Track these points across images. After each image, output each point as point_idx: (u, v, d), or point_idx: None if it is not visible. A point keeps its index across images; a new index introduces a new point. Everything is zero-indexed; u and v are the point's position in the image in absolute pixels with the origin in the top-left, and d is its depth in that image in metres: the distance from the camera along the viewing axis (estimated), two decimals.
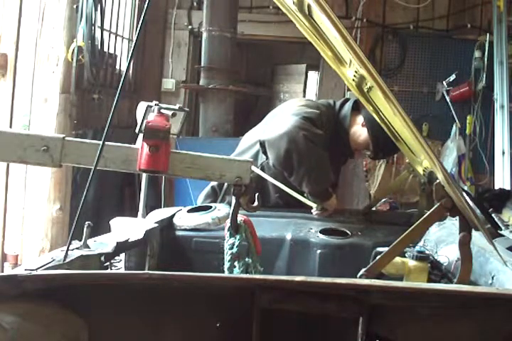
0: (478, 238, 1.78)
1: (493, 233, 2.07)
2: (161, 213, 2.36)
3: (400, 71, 6.01)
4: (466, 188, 5.28)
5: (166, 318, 1.30)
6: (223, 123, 5.34)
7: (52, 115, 3.95)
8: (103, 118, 4.52)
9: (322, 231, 2.24)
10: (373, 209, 2.92)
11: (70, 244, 1.52)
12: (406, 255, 1.77)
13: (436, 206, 1.61)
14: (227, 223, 1.77)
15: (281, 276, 1.30)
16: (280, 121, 2.50)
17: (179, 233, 2.24)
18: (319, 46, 1.93)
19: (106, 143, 1.55)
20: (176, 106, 1.74)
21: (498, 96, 5.39)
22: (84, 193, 1.55)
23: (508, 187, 5.02)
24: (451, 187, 1.53)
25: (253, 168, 2.36)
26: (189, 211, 2.35)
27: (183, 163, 1.66)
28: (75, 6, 4.03)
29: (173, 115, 1.73)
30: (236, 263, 1.74)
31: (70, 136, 1.73)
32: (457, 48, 5.92)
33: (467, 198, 1.66)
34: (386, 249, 1.64)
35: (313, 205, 2.52)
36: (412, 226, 1.62)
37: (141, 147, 1.62)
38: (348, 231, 2.26)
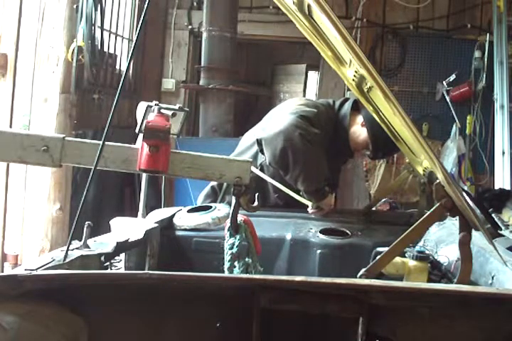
0: (478, 238, 1.78)
1: (493, 233, 2.07)
2: (161, 213, 2.36)
3: (400, 71, 6.01)
4: (466, 188, 5.28)
5: (166, 318, 1.30)
6: (223, 123, 5.34)
7: (52, 115, 3.95)
8: (103, 118, 4.52)
9: (322, 231, 2.24)
10: (373, 209, 2.92)
11: (70, 244, 1.52)
12: (406, 255, 1.77)
13: (436, 206, 1.61)
14: (227, 223, 1.77)
15: (281, 276, 1.30)
16: (277, 119, 2.50)
17: (179, 233, 2.24)
18: (319, 46, 1.93)
19: (106, 143, 1.55)
20: (176, 106, 1.74)
21: (498, 96, 5.40)
22: (84, 193, 1.55)
23: (508, 187, 5.02)
24: (451, 187, 1.53)
25: (252, 168, 2.37)
26: (189, 211, 2.35)
27: (183, 163, 1.66)
28: (75, 6, 4.03)
29: (173, 115, 1.73)
30: (236, 263, 1.74)
31: (70, 136, 1.73)
32: (457, 48, 5.92)
33: (467, 198, 1.66)
34: (386, 248, 1.64)
35: (309, 204, 2.53)
36: (412, 226, 1.62)
37: (141, 147, 1.62)
38: (348, 231, 2.26)
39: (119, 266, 1.87)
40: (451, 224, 2.14)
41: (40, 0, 3.89)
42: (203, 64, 5.38)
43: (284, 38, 5.96)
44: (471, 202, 1.71)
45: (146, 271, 1.24)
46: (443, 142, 5.93)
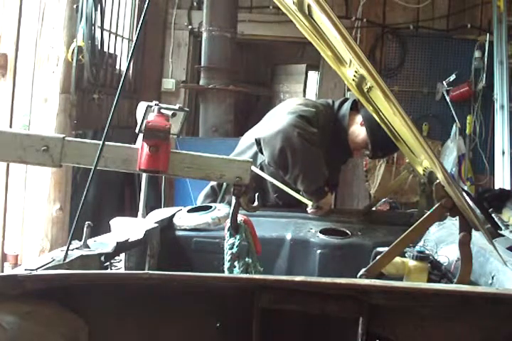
0: (478, 238, 1.78)
1: (493, 233, 2.07)
2: (161, 213, 2.36)
3: (400, 71, 6.01)
4: (466, 188, 5.28)
5: (166, 318, 1.30)
6: (223, 123, 5.34)
7: (52, 115, 3.95)
8: (103, 119, 4.52)
9: (322, 231, 2.24)
10: (373, 209, 2.92)
11: (70, 244, 1.52)
12: (406, 255, 1.77)
13: (436, 206, 1.61)
14: (227, 223, 1.77)
15: (281, 276, 1.30)
16: (276, 119, 2.50)
17: (179, 233, 2.24)
18: (319, 46, 1.93)
19: (106, 143, 1.55)
20: (176, 106, 1.74)
21: (498, 96, 5.40)
22: (84, 193, 1.55)
23: (508, 187, 5.02)
24: (451, 187, 1.53)
25: (252, 167, 2.38)
26: (189, 211, 2.35)
27: (183, 163, 1.66)
28: (75, 6, 4.03)
29: (173, 115, 1.73)
30: (236, 263, 1.74)
31: (70, 136, 1.73)
32: (457, 48, 5.92)
33: (467, 198, 1.66)
34: (386, 248, 1.64)
35: (309, 203, 2.53)
36: (412, 226, 1.62)
37: (141, 147, 1.62)
38: (348, 231, 2.26)
39: (119, 266, 1.87)
40: (451, 224, 2.15)
41: (40, 0, 3.89)
42: (203, 64, 5.38)
43: (284, 38, 5.96)
44: (471, 202, 1.71)
45: (146, 271, 1.24)
46: (443, 142, 5.93)
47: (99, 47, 4.57)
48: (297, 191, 2.54)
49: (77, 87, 4.14)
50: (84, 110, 4.44)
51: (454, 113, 5.85)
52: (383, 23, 6.00)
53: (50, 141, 1.58)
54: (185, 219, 2.27)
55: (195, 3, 6.05)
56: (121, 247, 1.74)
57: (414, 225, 1.62)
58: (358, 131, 2.63)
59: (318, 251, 2.14)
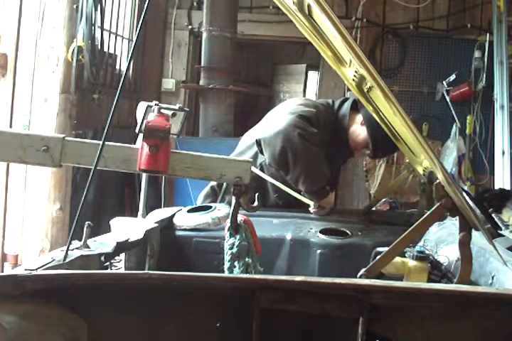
0: (478, 238, 1.78)
1: (493, 233, 2.07)
2: (161, 213, 2.36)
3: (400, 71, 6.01)
4: (466, 188, 5.28)
5: (166, 318, 1.30)
6: (223, 123, 5.34)
7: (52, 115, 3.95)
8: (103, 119, 4.51)
9: (322, 231, 2.24)
10: (373, 209, 2.92)
11: (70, 244, 1.52)
12: (406, 255, 1.77)
13: (436, 206, 1.61)
14: (227, 223, 1.77)
15: (281, 276, 1.30)
16: (276, 119, 2.50)
17: (179, 233, 2.24)
18: (319, 46, 1.93)
19: (106, 143, 1.55)
20: (176, 106, 1.74)
21: (498, 96, 5.40)
22: (84, 193, 1.55)
23: (508, 187, 5.02)
24: (451, 187, 1.53)
25: (252, 168, 2.38)
26: (189, 211, 2.35)
27: (183, 163, 1.66)
28: (75, 6, 4.03)
29: (173, 115, 1.73)
30: (236, 263, 1.74)
31: (70, 136, 1.73)
32: (457, 48, 5.92)
33: (467, 198, 1.66)
34: (386, 248, 1.64)
35: (311, 203, 2.53)
36: (412, 226, 1.62)
37: (141, 147, 1.62)
38: (348, 231, 2.26)
39: (119, 266, 1.87)
40: (451, 224, 2.14)
41: (40, 0, 3.89)
42: (203, 64, 5.38)
43: (284, 38, 5.96)
44: (471, 202, 1.71)
45: (146, 271, 1.24)
46: (443, 142, 5.93)
47: (99, 47, 4.57)
48: (298, 191, 2.54)
49: (77, 87, 4.14)
50: (84, 110, 4.43)
51: (454, 113, 5.85)
52: (383, 23, 6.00)
53: (50, 141, 1.58)
54: (185, 219, 2.27)
55: (195, 3, 6.05)
56: (121, 247, 1.74)
57: (414, 225, 1.62)
58: (359, 130, 2.63)
59: (318, 251, 2.14)
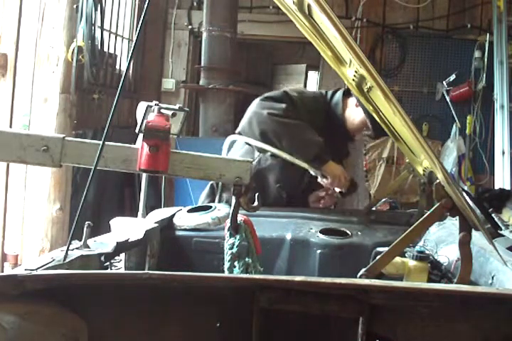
0: (478, 238, 1.78)
1: (493, 233, 2.07)
2: (161, 213, 2.35)
3: (400, 71, 6.01)
4: (466, 188, 5.28)
5: (166, 318, 1.30)
6: (223, 123, 5.34)
7: (52, 115, 3.95)
8: (103, 118, 4.52)
9: (322, 231, 2.23)
10: (373, 209, 2.92)
11: (70, 244, 1.52)
12: (406, 255, 1.77)
13: (436, 206, 1.61)
14: (227, 223, 1.76)
15: (281, 276, 1.30)
16: (248, 109, 2.63)
17: (179, 233, 2.24)
18: (319, 46, 1.92)
19: (106, 143, 1.55)
20: (176, 106, 1.74)
21: (498, 96, 5.40)
22: (84, 193, 1.55)
23: (508, 187, 5.02)
24: (451, 187, 1.53)
25: (254, 141, 2.49)
26: (189, 211, 2.34)
27: (183, 163, 1.66)
28: (75, 6, 4.03)
29: (173, 115, 1.73)
30: (236, 263, 1.74)
31: (70, 136, 1.73)
32: (457, 48, 5.92)
33: (467, 198, 1.66)
34: (386, 248, 1.64)
35: (319, 175, 2.58)
36: (412, 226, 1.62)
37: (141, 147, 1.62)
38: (348, 231, 2.26)
39: (119, 266, 1.87)
40: (451, 224, 2.14)
41: (40, 0, 3.89)
42: (203, 64, 5.38)
43: (284, 37, 5.96)
44: (471, 202, 1.71)
45: (146, 271, 1.24)
46: (443, 142, 5.93)
47: (99, 47, 4.58)
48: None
49: (77, 87, 4.14)
50: (84, 110, 4.44)
51: (454, 113, 5.86)
52: (383, 23, 6.00)
53: (50, 141, 1.58)
54: (185, 219, 2.27)
55: (195, 3, 6.05)
56: (121, 247, 1.74)
57: (414, 225, 1.62)
58: (354, 112, 2.66)
59: (318, 251, 2.14)
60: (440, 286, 1.43)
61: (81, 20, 4.12)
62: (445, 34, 5.94)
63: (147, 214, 2.48)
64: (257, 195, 1.79)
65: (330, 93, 2.77)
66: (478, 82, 5.84)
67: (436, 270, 1.85)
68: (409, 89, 6.00)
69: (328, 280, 1.23)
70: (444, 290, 1.27)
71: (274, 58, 8.20)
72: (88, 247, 1.63)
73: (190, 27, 6.04)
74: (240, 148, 2.69)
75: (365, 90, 1.79)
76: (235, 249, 1.74)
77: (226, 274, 1.69)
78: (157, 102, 1.71)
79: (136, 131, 1.66)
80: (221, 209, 2.31)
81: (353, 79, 1.81)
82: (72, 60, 4.00)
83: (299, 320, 1.31)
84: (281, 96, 2.60)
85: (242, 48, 6.81)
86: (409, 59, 6.01)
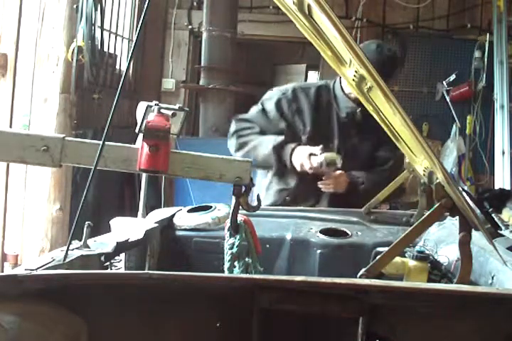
0: (478, 238, 1.78)
1: (493, 233, 2.07)
2: (161, 213, 2.35)
3: (399, 71, 6.01)
4: (466, 188, 5.28)
5: (166, 318, 1.30)
6: (223, 123, 5.33)
7: (52, 115, 3.95)
8: (103, 118, 4.51)
9: (322, 231, 2.23)
10: (373, 209, 2.92)
11: (70, 244, 1.52)
12: (406, 255, 1.77)
13: (436, 206, 1.61)
14: (227, 223, 1.76)
15: (281, 276, 1.30)
16: None
17: (179, 233, 2.24)
18: (319, 46, 1.92)
19: (106, 143, 1.55)
20: (176, 106, 1.74)
21: (498, 96, 5.40)
22: (84, 193, 1.54)
23: (508, 187, 5.02)
24: (451, 187, 1.53)
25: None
26: (189, 211, 2.34)
27: (183, 163, 1.66)
28: (75, 6, 4.03)
29: (173, 115, 1.73)
30: (236, 263, 1.74)
31: (70, 136, 1.73)
32: (457, 48, 5.92)
33: (467, 198, 1.66)
34: (386, 248, 1.64)
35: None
36: (412, 226, 1.62)
37: (141, 147, 1.62)
38: (348, 231, 2.26)
39: (119, 266, 1.87)
40: (451, 224, 2.14)
41: (40, 0, 3.89)
42: (203, 64, 5.38)
43: (284, 37, 5.96)
44: (471, 202, 1.71)
45: (146, 271, 1.24)
46: (443, 142, 5.93)
47: (99, 47, 4.58)
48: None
49: (77, 86, 4.15)
50: (84, 110, 4.44)
51: (454, 113, 5.86)
52: (383, 23, 6.01)
53: (50, 141, 1.58)
54: (185, 219, 2.27)
55: (195, 3, 6.05)
56: (121, 247, 1.74)
57: (414, 225, 1.62)
58: None
59: (318, 251, 2.14)
60: (440, 286, 1.43)
61: (81, 20, 4.12)
62: (445, 34, 5.95)
63: (147, 214, 2.48)
64: (257, 194, 1.79)
65: (331, 81, 2.91)
66: (478, 82, 5.84)
67: (436, 270, 1.85)
68: (409, 89, 6.01)
69: (328, 280, 1.23)
70: (444, 290, 1.27)
71: (274, 58, 8.20)
72: (88, 247, 1.63)
73: (190, 27, 6.04)
74: None
75: (365, 90, 1.79)
76: (235, 249, 1.74)
77: (226, 274, 1.69)
78: (157, 102, 1.70)
79: (136, 131, 1.66)
80: (221, 209, 2.31)
81: (353, 79, 1.81)
82: (72, 59, 4.00)
83: (298, 320, 1.30)
84: (252, 111, 2.92)
85: (242, 48, 6.81)
86: (409, 59, 6.01)
